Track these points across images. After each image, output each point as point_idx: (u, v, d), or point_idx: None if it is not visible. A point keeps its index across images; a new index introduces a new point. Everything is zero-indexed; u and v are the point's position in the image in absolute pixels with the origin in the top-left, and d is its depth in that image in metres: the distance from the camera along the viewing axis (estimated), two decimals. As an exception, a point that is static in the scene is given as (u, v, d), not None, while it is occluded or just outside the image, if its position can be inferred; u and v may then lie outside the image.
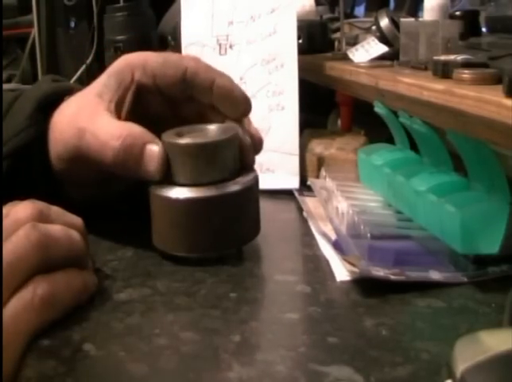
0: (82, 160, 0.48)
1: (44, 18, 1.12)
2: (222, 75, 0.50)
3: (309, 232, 0.52)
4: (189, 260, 0.46)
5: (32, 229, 0.38)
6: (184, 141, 0.46)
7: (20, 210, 0.40)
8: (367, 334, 0.36)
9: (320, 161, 0.65)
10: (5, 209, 0.40)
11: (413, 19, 0.65)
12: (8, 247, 0.37)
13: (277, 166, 0.64)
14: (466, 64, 0.49)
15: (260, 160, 0.64)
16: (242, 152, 0.48)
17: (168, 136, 0.46)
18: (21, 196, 0.42)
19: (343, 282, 0.43)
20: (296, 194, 0.62)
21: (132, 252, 0.48)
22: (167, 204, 0.46)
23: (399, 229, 0.49)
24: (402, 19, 0.66)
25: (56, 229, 0.40)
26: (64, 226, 0.41)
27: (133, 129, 0.46)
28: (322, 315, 0.39)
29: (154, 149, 0.45)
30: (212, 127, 0.48)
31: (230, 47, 0.68)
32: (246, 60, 0.66)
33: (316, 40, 0.80)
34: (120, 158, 0.45)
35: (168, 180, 0.46)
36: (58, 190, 0.51)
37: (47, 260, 0.38)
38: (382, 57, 0.64)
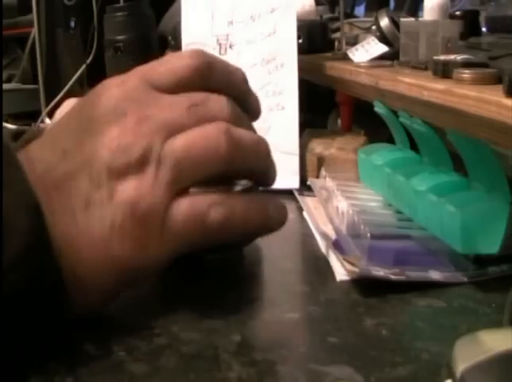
0: None
1: (44, 18, 1.12)
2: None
3: (309, 232, 0.52)
4: (189, 260, 0.46)
5: (227, 131, 0.34)
6: None
7: (220, 104, 0.36)
8: (367, 334, 0.36)
9: (320, 161, 0.65)
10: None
11: (413, 19, 0.65)
12: (201, 132, 0.34)
13: (276, 166, 0.64)
14: (466, 64, 0.49)
15: (260, 160, 0.64)
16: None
17: None
18: None
19: (343, 282, 0.43)
20: (296, 194, 0.62)
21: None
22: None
23: (399, 229, 0.49)
24: (402, 19, 0.66)
25: (247, 138, 0.36)
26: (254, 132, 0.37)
27: None
28: (322, 315, 0.38)
29: None
30: None
31: (230, 47, 0.68)
32: (246, 59, 0.66)
33: (316, 40, 0.80)
34: None
35: None
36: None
37: (230, 170, 0.35)
38: (382, 57, 0.64)
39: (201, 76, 0.36)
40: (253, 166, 0.38)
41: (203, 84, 0.36)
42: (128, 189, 0.33)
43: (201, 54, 0.37)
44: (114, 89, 0.35)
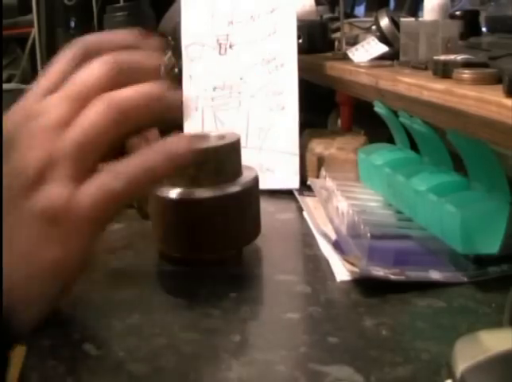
0: None
1: (44, 18, 1.12)
2: None
3: (309, 232, 0.52)
4: (189, 261, 0.46)
5: (107, 102, 0.35)
6: None
7: (90, 75, 0.36)
8: (367, 334, 0.36)
9: (320, 161, 0.65)
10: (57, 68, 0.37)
11: (413, 19, 0.65)
12: (86, 120, 0.35)
13: (277, 166, 0.64)
14: (466, 64, 0.49)
15: (260, 160, 0.64)
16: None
17: None
18: None
19: (343, 282, 0.43)
20: (296, 194, 0.62)
21: (132, 252, 0.48)
22: (167, 206, 0.46)
23: (399, 229, 0.49)
24: (402, 19, 0.66)
25: (129, 96, 0.36)
26: None
27: None
28: (322, 315, 0.39)
29: None
30: (213, 134, 0.49)
31: (230, 47, 0.68)
32: (246, 59, 0.66)
33: (316, 40, 0.80)
34: None
35: (170, 182, 0.46)
36: None
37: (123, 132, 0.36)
38: (382, 57, 0.64)
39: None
40: (146, 117, 0.37)
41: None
42: (39, 199, 0.34)
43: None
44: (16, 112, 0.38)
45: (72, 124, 0.35)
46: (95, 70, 0.37)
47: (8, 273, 0.33)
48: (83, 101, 0.36)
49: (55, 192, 0.34)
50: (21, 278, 0.33)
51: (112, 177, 0.36)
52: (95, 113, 0.36)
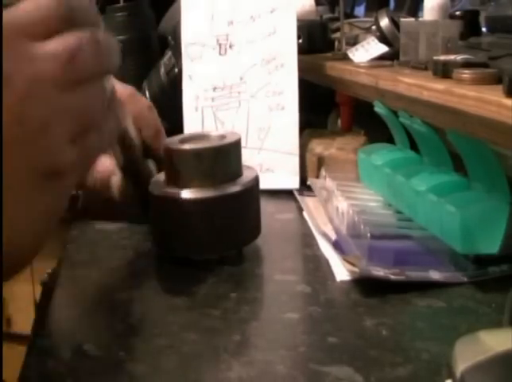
0: None
1: (44, 18, 1.12)
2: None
3: (309, 232, 0.52)
4: (189, 261, 0.46)
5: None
6: (186, 147, 0.47)
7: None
8: (367, 334, 0.36)
9: (320, 161, 0.65)
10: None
11: (413, 19, 0.65)
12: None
13: (277, 166, 0.64)
14: (466, 64, 0.49)
15: (260, 160, 0.64)
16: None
17: (172, 143, 0.47)
18: None
19: (343, 282, 0.43)
20: (296, 194, 0.62)
21: (132, 252, 0.48)
22: (167, 205, 0.46)
23: (399, 229, 0.49)
24: (402, 19, 0.66)
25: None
26: None
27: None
28: (322, 315, 0.39)
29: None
30: (213, 134, 0.49)
31: (230, 47, 0.67)
32: (246, 60, 0.66)
33: (316, 40, 0.80)
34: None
35: (169, 182, 0.46)
36: None
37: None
38: (382, 57, 0.64)
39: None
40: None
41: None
42: (41, 154, 0.34)
43: None
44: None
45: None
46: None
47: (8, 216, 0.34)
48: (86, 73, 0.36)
49: (57, 149, 0.35)
50: (20, 223, 0.34)
51: (98, 138, 0.37)
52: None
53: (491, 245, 0.42)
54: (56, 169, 0.35)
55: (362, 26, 0.89)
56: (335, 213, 0.54)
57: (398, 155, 0.56)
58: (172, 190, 0.46)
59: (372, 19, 0.76)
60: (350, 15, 1.12)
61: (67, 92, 0.35)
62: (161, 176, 0.48)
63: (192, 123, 0.66)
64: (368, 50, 0.65)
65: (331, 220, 0.53)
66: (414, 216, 0.49)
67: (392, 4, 1.04)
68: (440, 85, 0.48)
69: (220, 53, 0.68)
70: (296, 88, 0.65)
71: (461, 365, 0.26)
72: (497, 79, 0.45)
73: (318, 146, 0.66)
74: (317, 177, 0.64)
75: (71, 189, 0.38)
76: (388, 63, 0.63)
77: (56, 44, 0.35)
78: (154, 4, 1.03)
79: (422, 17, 0.61)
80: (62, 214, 0.38)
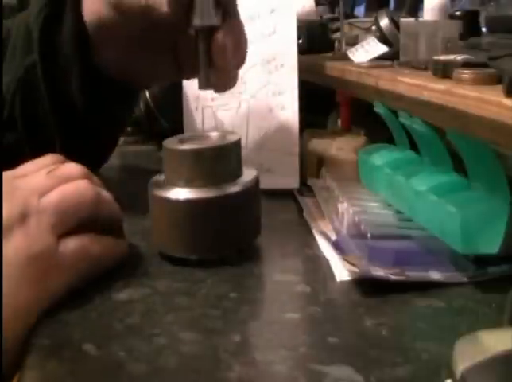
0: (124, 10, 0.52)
1: (44, 18, 1.12)
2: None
3: (309, 232, 0.52)
4: (189, 261, 0.46)
5: (89, 183, 0.43)
6: (186, 147, 0.46)
7: (72, 167, 0.44)
8: (367, 334, 0.36)
9: (320, 162, 0.65)
10: (43, 161, 0.45)
11: (413, 19, 0.65)
12: (70, 186, 0.41)
13: (277, 166, 0.64)
14: (466, 64, 0.49)
15: (260, 160, 0.64)
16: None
17: (171, 143, 0.47)
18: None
19: (343, 282, 0.43)
20: (296, 194, 0.62)
21: (132, 252, 0.48)
22: (167, 205, 0.46)
23: (399, 229, 0.49)
24: (402, 19, 0.66)
25: (104, 191, 0.44)
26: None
27: None
28: (322, 315, 0.39)
29: None
30: (213, 134, 0.49)
31: (230, 47, 0.67)
32: (246, 59, 0.66)
33: (316, 40, 0.80)
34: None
35: (169, 182, 0.46)
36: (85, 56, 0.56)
37: (96, 215, 0.43)
38: (382, 57, 0.64)
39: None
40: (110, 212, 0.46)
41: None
42: (16, 239, 0.38)
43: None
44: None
45: (57, 188, 0.41)
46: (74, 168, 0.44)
47: None
48: (64, 181, 0.42)
49: (39, 236, 0.39)
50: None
51: (90, 239, 0.42)
52: (81, 186, 0.42)
53: (491, 245, 0.42)
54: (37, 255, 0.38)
55: (362, 26, 0.89)
56: (335, 213, 0.54)
57: (398, 155, 0.56)
58: (171, 190, 0.46)
59: (372, 19, 0.76)
60: (350, 15, 1.12)
61: None
62: (161, 176, 0.48)
63: (192, 123, 0.66)
64: (368, 50, 0.65)
65: (331, 220, 0.53)
66: (414, 216, 0.49)
67: (392, 4, 1.04)
68: (440, 85, 0.48)
69: (220, 53, 0.68)
70: (296, 88, 0.65)
71: (461, 365, 0.26)
72: (497, 80, 0.45)
73: (318, 146, 0.66)
74: (317, 177, 0.64)
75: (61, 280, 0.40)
76: (388, 63, 0.63)
77: None
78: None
79: (422, 17, 0.61)
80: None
